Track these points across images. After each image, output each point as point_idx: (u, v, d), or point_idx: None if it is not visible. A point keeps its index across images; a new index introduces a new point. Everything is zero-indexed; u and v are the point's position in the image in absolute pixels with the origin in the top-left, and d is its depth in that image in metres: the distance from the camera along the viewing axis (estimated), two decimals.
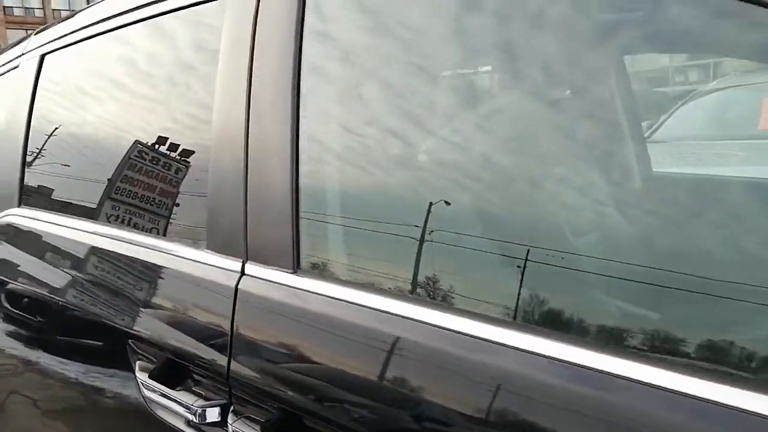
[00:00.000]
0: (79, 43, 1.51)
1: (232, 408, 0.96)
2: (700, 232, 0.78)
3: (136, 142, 1.32)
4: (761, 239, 0.72)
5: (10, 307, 1.55)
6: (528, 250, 0.78)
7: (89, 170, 1.53)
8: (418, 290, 0.86)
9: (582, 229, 0.81)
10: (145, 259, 1.19)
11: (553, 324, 0.75)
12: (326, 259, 0.97)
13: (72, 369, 1.37)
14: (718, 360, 0.65)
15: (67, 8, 44.16)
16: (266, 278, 0.96)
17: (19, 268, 1.57)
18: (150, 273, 1.19)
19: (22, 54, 1.77)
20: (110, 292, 1.26)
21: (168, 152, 1.23)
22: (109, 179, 1.38)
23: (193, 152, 1.19)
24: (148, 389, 1.07)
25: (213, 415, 0.96)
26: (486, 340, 0.73)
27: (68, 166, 1.59)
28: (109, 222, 1.34)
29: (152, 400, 1.07)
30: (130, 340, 1.16)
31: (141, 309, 1.17)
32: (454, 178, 0.89)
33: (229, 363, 0.96)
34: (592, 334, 0.73)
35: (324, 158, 0.99)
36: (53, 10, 44.57)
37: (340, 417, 0.85)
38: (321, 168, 0.99)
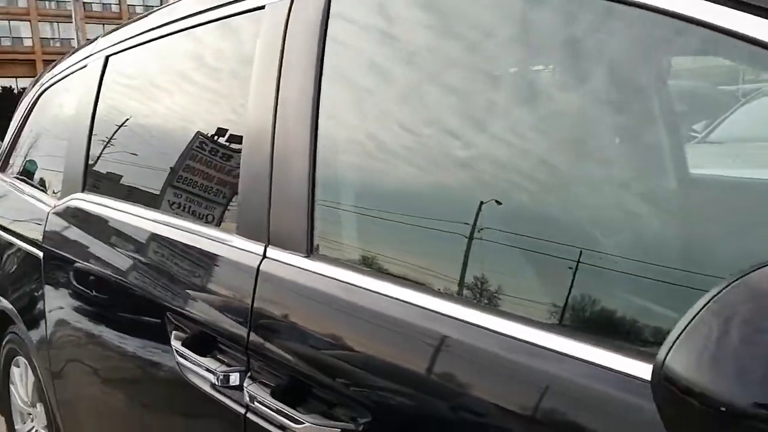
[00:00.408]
0: (138, 47, 1.68)
1: (249, 374, 1.09)
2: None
3: (185, 138, 1.47)
4: None
5: (75, 283, 1.74)
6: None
7: (141, 161, 1.70)
8: (418, 277, 0.94)
9: (615, 230, 0.80)
10: (185, 242, 1.34)
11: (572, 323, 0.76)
12: (335, 246, 1.08)
13: (118, 338, 1.54)
14: None
15: (142, 3, 45.85)
16: (283, 261, 1.08)
17: (78, 247, 1.75)
18: (189, 254, 1.33)
19: (90, 55, 1.96)
20: (153, 270, 1.41)
21: (211, 149, 1.37)
22: (164, 170, 1.53)
23: (230, 148, 1.32)
24: (181, 356, 1.22)
25: (233, 379, 1.10)
26: (485, 328, 0.80)
27: (123, 157, 1.77)
28: (156, 208, 1.50)
29: (184, 366, 1.21)
30: (167, 313, 1.31)
31: (177, 286, 1.32)
32: (459, 169, 0.95)
33: (248, 335, 1.09)
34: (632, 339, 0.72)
35: (338, 156, 1.11)
36: (128, 5, 46.38)
37: (341, 387, 0.96)
38: (334, 165, 1.10)
